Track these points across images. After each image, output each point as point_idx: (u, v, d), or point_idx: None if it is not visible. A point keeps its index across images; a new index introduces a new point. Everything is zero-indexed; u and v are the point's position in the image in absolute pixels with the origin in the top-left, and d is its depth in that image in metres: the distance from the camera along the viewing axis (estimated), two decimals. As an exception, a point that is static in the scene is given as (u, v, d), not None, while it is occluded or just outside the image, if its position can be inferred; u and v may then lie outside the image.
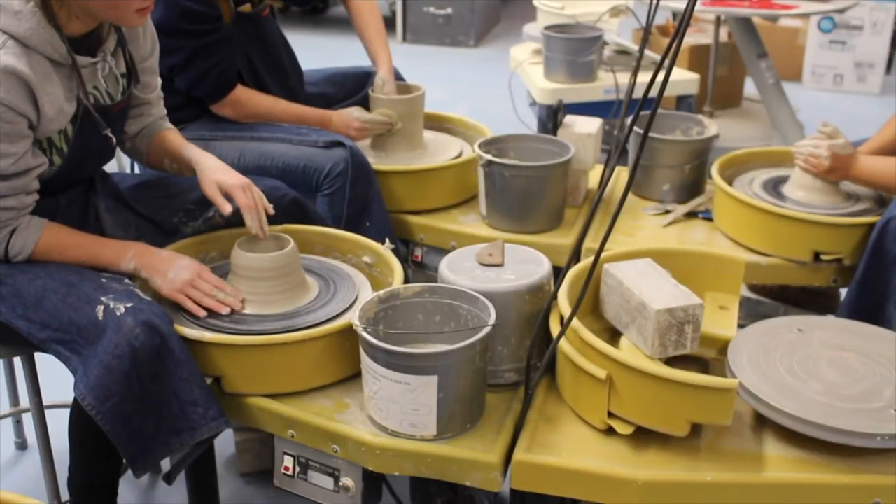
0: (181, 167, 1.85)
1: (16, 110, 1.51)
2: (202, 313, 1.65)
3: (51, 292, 1.56)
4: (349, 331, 1.55)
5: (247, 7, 2.22)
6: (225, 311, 1.66)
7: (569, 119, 2.29)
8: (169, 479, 1.60)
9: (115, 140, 1.72)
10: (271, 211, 1.77)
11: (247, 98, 2.21)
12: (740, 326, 1.67)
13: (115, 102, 1.71)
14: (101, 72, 1.67)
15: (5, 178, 1.55)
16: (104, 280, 1.60)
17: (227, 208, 1.73)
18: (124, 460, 1.55)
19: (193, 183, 1.88)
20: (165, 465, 1.61)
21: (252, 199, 1.74)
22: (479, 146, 2.14)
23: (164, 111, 1.93)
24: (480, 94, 5.11)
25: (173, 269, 1.67)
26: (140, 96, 1.84)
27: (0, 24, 1.50)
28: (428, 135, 2.46)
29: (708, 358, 1.64)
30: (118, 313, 1.50)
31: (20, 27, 1.51)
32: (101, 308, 1.52)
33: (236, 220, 1.91)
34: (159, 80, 1.90)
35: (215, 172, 1.76)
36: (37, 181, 1.62)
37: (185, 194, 1.90)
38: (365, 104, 2.42)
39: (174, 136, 1.89)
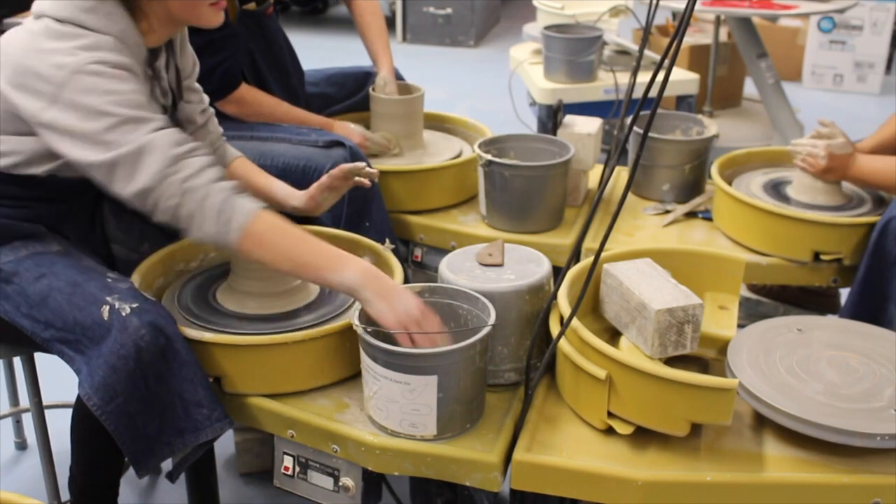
0: (269, 200, 1.79)
1: (125, 68, 1.49)
2: (409, 343, 1.47)
3: (56, 291, 1.56)
4: (349, 331, 1.55)
5: (251, 5, 2.22)
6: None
7: (569, 119, 2.29)
8: (171, 477, 1.60)
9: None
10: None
11: (251, 97, 2.21)
12: (740, 326, 1.67)
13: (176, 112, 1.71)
14: (159, 86, 1.66)
15: (144, 121, 1.47)
16: (109, 280, 1.60)
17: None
18: (126, 460, 1.55)
19: None
20: (167, 465, 1.61)
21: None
22: (479, 146, 2.14)
23: (220, 130, 1.90)
24: (480, 94, 5.11)
25: (401, 299, 1.48)
26: (187, 116, 1.80)
27: (94, 25, 1.49)
28: (428, 135, 2.46)
29: (708, 358, 1.64)
30: (123, 313, 1.50)
31: (115, 27, 1.51)
32: (106, 308, 1.51)
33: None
34: (205, 98, 1.87)
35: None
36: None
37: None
38: (365, 104, 2.43)
39: (246, 168, 1.87)
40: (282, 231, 1.50)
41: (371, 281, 1.49)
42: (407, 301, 1.48)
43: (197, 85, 1.85)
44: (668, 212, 2.26)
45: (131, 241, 1.79)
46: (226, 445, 2.27)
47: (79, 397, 1.52)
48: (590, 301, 1.69)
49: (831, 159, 2.03)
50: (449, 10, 6.22)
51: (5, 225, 1.61)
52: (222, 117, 2.22)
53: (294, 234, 1.51)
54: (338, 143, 2.11)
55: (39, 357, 1.75)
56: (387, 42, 2.47)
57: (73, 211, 1.72)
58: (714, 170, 2.18)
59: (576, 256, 1.49)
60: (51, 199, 1.65)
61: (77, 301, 1.54)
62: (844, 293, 2.13)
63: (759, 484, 1.39)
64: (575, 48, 3.21)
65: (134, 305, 1.51)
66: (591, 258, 1.44)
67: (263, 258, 1.50)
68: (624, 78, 3.21)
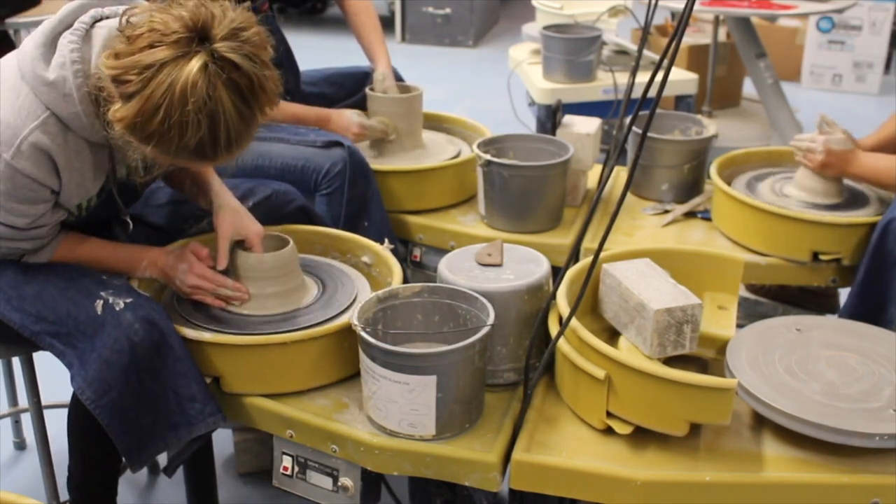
0: (199, 192, 1.80)
1: (40, 183, 1.49)
2: (219, 303, 1.67)
3: (51, 286, 1.57)
4: (348, 331, 1.55)
5: (246, 4, 2.21)
6: (234, 303, 1.68)
7: (568, 119, 2.29)
8: (168, 472, 1.61)
9: (132, 225, 1.72)
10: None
11: None
12: (739, 326, 1.67)
13: (149, 176, 1.69)
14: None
15: (21, 230, 1.54)
16: (104, 276, 1.61)
17: (223, 264, 1.71)
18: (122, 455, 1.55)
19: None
20: (163, 460, 1.61)
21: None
22: (478, 146, 2.14)
23: None
24: (479, 94, 5.11)
25: (177, 274, 1.66)
26: None
27: (46, 100, 1.46)
28: (427, 135, 2.46)
29: (707, 358, 1.64)
30: (117, 308, 1.51)
31: (64, 109, 1.47)
32: (100, 303, 1.53)
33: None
34: None
35: (235, 214, 1.73)
36: (57, 226, 1.61)
37: (192, 203, 1.88)
38: (364, 104, 2.42)
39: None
40: (85, 250, 1.66)
41: (159, 270, 1.68)
42: (182, 275, 1.66)
43: None
44: (667, 212, 2.26)
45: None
46: (225, 445, 2.26)
47: (75, 394, 1.52)
48: (589, 301, 1.69)
49: (828, 154, 2.04)
50: (448, 10, 6.21)
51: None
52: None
53: (91, 251, 1.67)
54: (336, 143, 2.11)
55: (38, 357, 1.75)
56: (381, 39, 2.46)
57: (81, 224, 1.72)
58: (713, 170, 2.18)
59: (575, 256, 1.49)
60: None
61: (72, 295, 1.55)
62: (843, 293, 2.13)
63: (758, 484, 1.39)
64: (574, 48, 3.21)
65: (128, 300, 1.52)
66: (591, 258, 1.44)
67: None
68: (623, 78, 3.21)
